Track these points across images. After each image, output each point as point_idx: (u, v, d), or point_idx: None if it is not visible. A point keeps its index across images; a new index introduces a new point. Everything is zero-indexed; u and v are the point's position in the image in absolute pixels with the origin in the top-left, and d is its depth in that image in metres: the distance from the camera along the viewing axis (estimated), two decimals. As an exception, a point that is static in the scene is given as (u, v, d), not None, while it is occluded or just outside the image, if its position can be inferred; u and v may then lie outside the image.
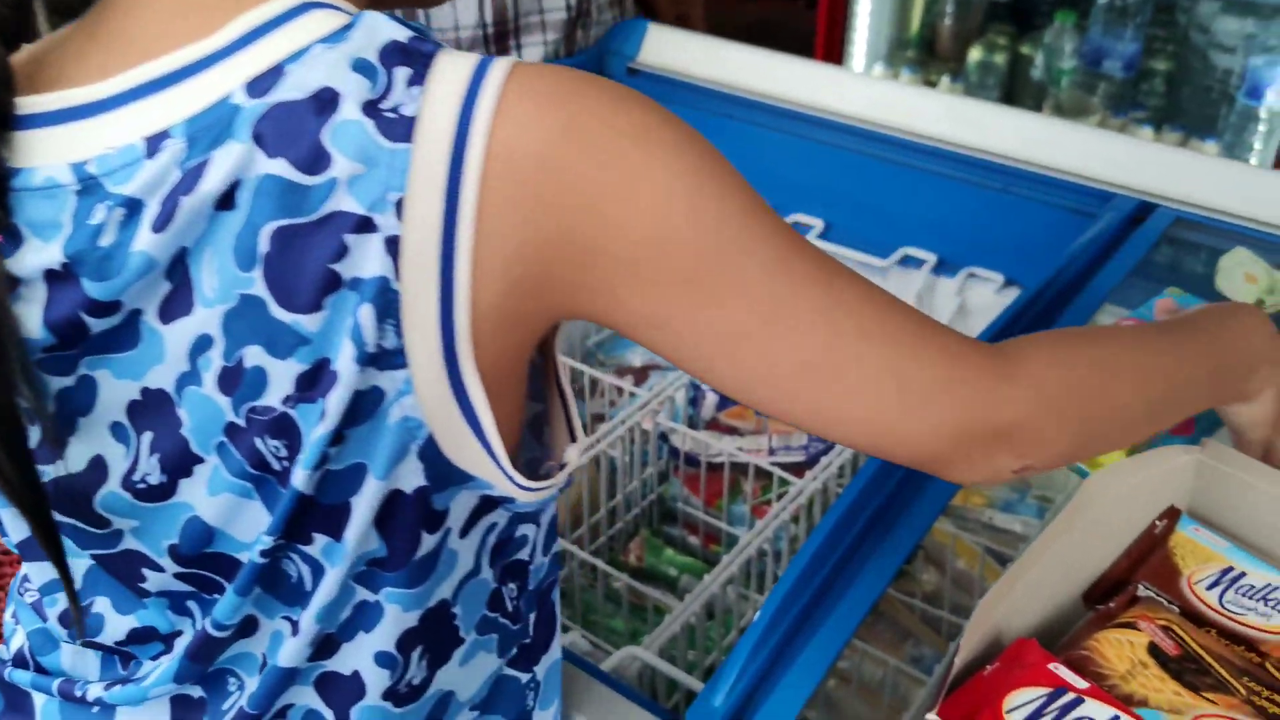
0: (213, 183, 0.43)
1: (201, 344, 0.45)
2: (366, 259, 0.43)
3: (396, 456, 0.47)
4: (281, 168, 0.43)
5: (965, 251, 1.07)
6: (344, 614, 0.51)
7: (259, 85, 0.44)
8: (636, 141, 0.44)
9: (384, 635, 0.52)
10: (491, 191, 0.44)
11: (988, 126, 1.07)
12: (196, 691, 0.55)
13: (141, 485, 0.49)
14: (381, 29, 0.45)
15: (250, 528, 0.49)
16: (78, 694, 0.57)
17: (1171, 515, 0.59)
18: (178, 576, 0.52)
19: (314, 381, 0.45)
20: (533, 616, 0.59)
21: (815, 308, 0.46)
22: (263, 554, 0.49)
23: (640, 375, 1.21)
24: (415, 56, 0.45)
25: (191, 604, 0.53)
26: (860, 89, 1.14)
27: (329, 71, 0.44)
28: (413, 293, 0.44)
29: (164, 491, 0.49)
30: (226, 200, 0.44)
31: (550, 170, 0.44)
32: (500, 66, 0.45)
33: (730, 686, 0.58)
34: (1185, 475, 0.61)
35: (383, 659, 0.52)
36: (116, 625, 0.55)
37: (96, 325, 0.45)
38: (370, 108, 0.43)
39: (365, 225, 0.43)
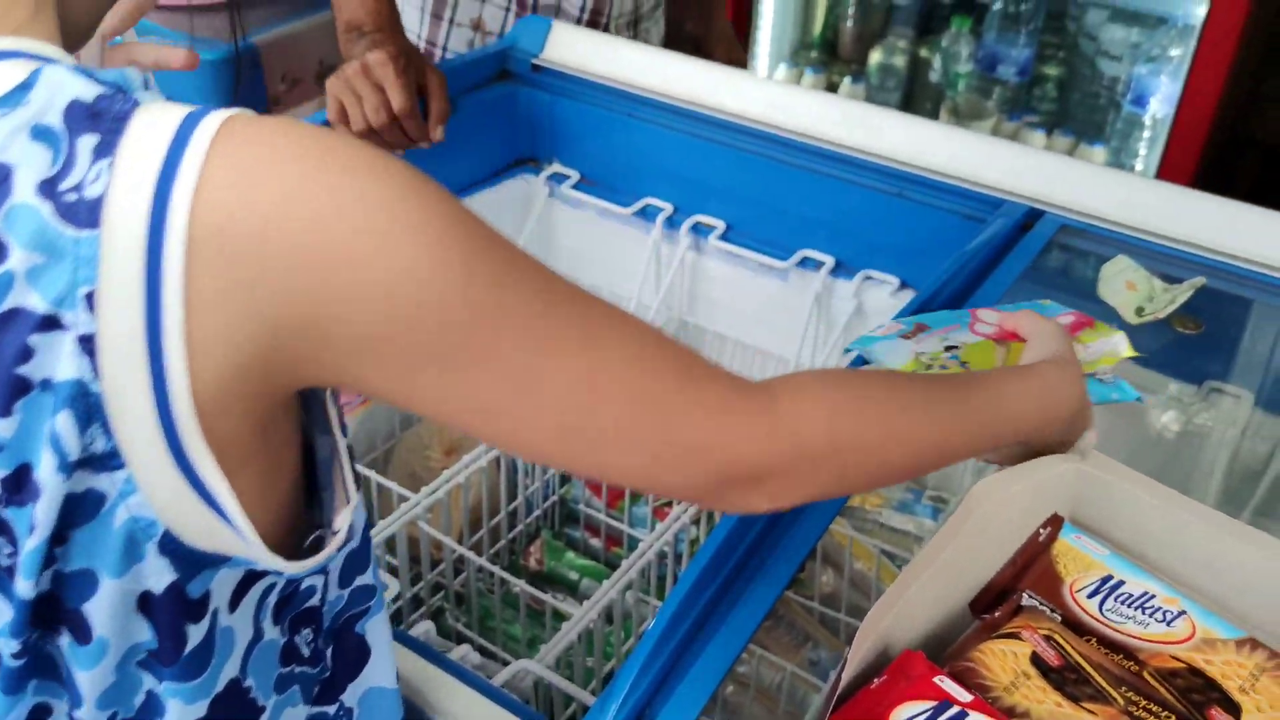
0: None
1: None
2: (57, 361, 0.39)
3: (131, 557, 0.43)
4: None
5: (862, 254, 1.08)
6: (138, 699, 0.48)
7: None
8: (369, 210, 0.40)
9: None
10: (200, 276, 0.39)
11: (883, 131, 1.08)
12: None
13: None
14: (66, 86, 0.40)
15: None
16: None
17: (1054, 523, 0.61)
18: None
19: (19, 486, 0.41)
20: (330, 651, 0.55)
21: (575, 376, 0.44)
22: (14, 655, 0.45)
23: (541, 375, 1.19)
24: (104, 119, 0.39)
25: None
26: (760, 92, 1.14)
27: (2, 142, 0.39)
28: (119, 392, 0.40)
29: None
30: None
31: (270, 247, 0.39)
32: (207, 126, 0.39)
33: (624, 697, 0.58)
34: (1068, 483, 0.62)
35: None
36: None
37: None
38: (48, 188, 0.38)
39: (51, 324, 0.39)
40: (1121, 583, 0.57)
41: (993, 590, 0.60)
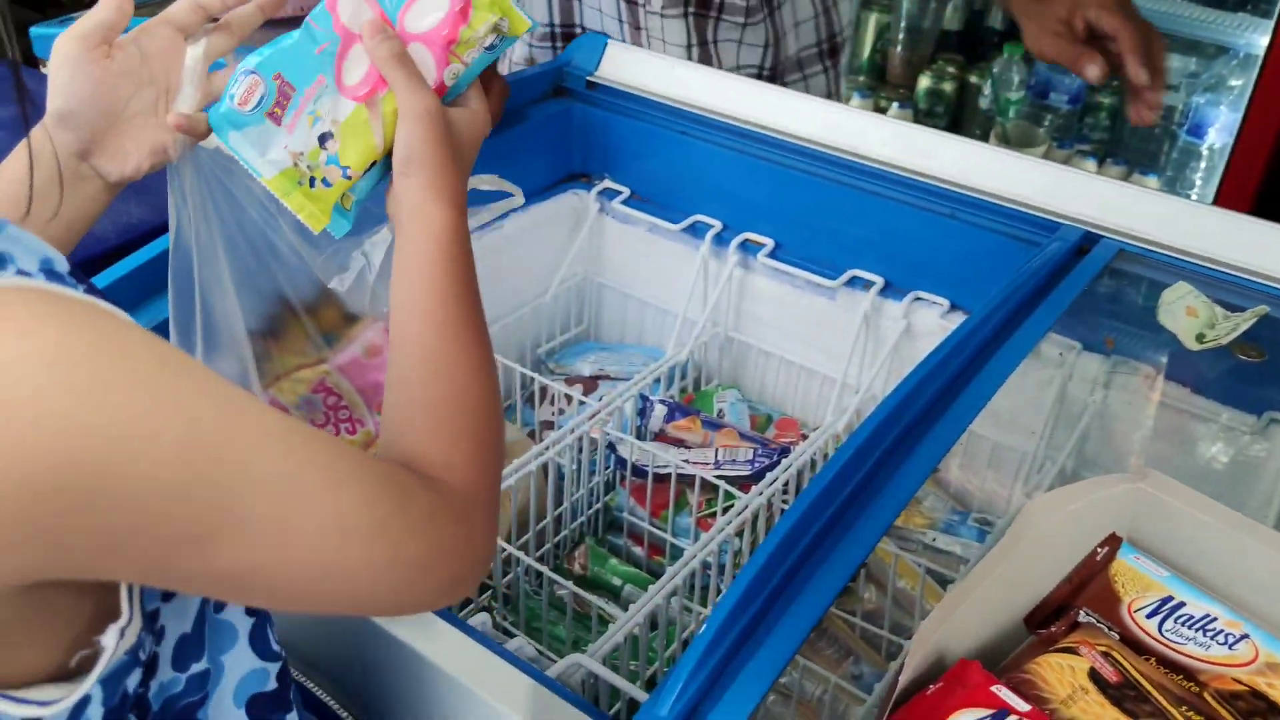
0: None
1: None
2: None
3: None
4: None
5: (912, 275, 1.09)
6: None
7: None
8: (105, 417, 0.39)
9: None
10: None
11: (936, 152, 1.09)
12: None
13: None
14: None
15: None
16: None
17: (1112, 543, 0.61)
18: None
19: None
20: None
21: (320, 530, 0.45)
22: None
23: (589, 385, 1.20)
24: None
25: None
26: (813, 111, 1.15)
27: None
28: None
29: None
30: None
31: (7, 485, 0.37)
32: None
33: (676, 696, 0.58)
34: (1126, 503, 0.62)
35: None
36: None
37: None
38: None
39: None
40: (1182, 604, 0.57)
41: (1049, 606, 0.60)
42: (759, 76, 1.31)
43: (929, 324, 1.07)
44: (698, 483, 1.01)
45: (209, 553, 0.42)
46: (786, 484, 1.00)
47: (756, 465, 1.03)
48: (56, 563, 0.41)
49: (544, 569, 0.91)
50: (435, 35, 0.64)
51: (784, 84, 1.34)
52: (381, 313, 0.86)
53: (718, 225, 1.18)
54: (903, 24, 1.98)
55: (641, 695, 0.66)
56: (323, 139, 0.65)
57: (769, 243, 1.15)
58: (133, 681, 0.49)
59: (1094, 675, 0.53)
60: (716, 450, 1.05)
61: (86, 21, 0.65)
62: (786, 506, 1.01)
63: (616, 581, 1.03)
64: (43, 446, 0.37)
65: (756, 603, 0.66)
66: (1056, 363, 1.00)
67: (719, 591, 0.96)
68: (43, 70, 1.61)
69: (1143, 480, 0.62)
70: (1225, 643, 0.55)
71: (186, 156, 0.68)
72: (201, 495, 0.41)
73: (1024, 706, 0.50)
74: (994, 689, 0.51)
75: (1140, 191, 1.02)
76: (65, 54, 0.65)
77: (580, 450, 1.05)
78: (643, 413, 1.10)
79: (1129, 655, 0.54)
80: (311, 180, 0.66)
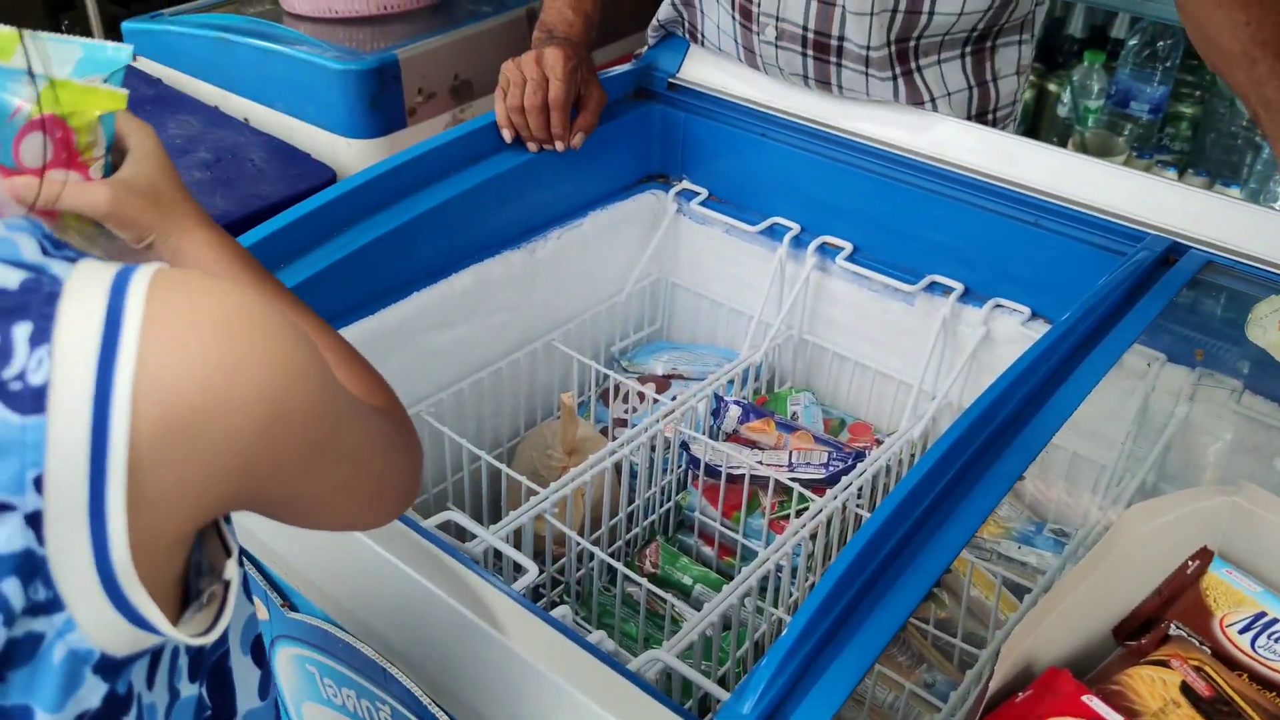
0: None
1: None
2: (3, 538, 0.41)
3: (69, 687, 0.45)
4: None
5: (993, 282, 1.08)
6: None
7: None
8: (301, 377, 0.46)
9: None
10: (142, 449, 0.41)
11: (1020, 159, 1.08)
12: None
13: None
14: None
15: None
16: None
17: (1204, 556, 0.60)
18: None
19: None
20: (207, 691, 0.57)
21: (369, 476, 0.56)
22: None
23: (662, 384, 1.21)
24: (32, 309, 0.41)
25: None
26: (895, 116, 1.14)
27: None
28: (61, 553, 0.42)
29: None
30: None
31: (205, 422, 0.42)
32: (134, 299, 0.42)
33: (759, 695, 0.59)
34: (1219, 517, 0.61)
35: None
36: None
37: None
38: None
39: (1, 509, 0.41)
40: (1276, 620, 0.56)
41: (1138, 618, 0.59)
42: None
43: (1009, 331, 1.06)
44: (771, 484, 1.02)
45: (312, 480, 0.51)
46: (861, 489, 1.00)
47: (831, 469, 1.03)
48: (246, 507, 0.49)
49: (619, 565, 0.92)
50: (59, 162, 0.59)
51: None
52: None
53: (796, 228, 1.18)
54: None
55: (720, 692, 0.67)
56: None
57: (847, 246, 1.15)
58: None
59: (1186, 689, 0.52)
60: (790, 453, 1.06)
61: None
62: (861, 511, 1.01)
63: (687, 580, 1.04)
64: (254, 394, 0.44)
65: (839, 607, 0.66)
66: (1140, 374, 0.99)
67: (790, 595, 0.96)
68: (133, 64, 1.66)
69: (1237, 494, 0.61)
70: (1321, 662, 0.54)
71: None
72: (329, 436, 0.50)
73: (1116, 718, 0.50)
74: (1085, 699, 0.51)
75: (1229, 202, 1.01)
76: None
77: (653, 449, 1.06)
78: (716, 413, 1.11)
79: (1221, 670, 0.54)
80: None
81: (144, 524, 0.43)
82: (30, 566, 0.42)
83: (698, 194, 1.24)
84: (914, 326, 1.12)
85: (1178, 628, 0.57)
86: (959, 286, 1.09)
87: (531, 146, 1.13)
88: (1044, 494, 1.10)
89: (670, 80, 1.24)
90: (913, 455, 1.08)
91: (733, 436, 1.10)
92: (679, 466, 1.10)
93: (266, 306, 0.46)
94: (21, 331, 0.41)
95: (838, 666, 0.63)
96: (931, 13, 1.08)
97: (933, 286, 1.10)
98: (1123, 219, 1.01)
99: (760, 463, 1.03)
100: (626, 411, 1.19)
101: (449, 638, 0.66)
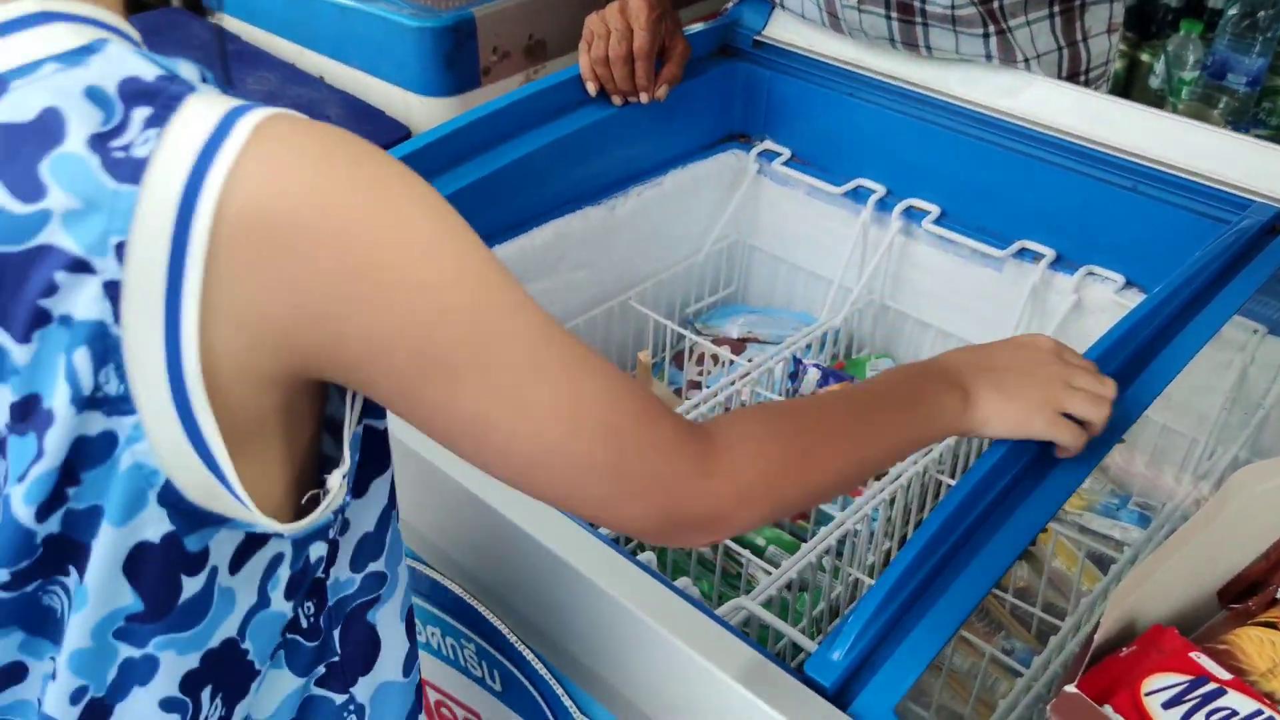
0: None
1: None
2: (80, 300, 0.41)
3: (133, 503, 0.45)
4: None
5: (1086, 249, 1.05)
6: (110, 674, 0.49)
7: None
8: (398, 222, 0.44)
9: (164, 683, 0.50)
10: (223, 249, 0.42)
11: (1119, 122, 1.04)
12: None
13: None
14: (126, 62, 0.43)
15: None
16: None
17: (1317, 520, 0.58)
18: None
19: (25, 414, 0.43)
20: (338, 633, 0.56)
21: (555, 403, 0.47)
22: (3, 586, 0.47)
23: (737, 346, 1.20)
24: (159, 98, 0.42)
25: None
26: (988, 76, 1.12)
27: (57, 95, 0.42)
28: (135, 339, 0.42)
29: None
30: None
31: (300, 239, 0.42)
32: (250, 120, 0.42)
33: (850, 646, 0.58)
34: (1334, 481, 0.59)
35: (169, 704, 0.50)
36: None
37: None
38: (98, 142, 0.41)
39: (81, 266, 0.41)
40: (1394, 585, 0.54)
41: (1244, 580, 0.57)
42: None
43: (1101, 300, 1.03)
44: (850, 447, 1.00)
45: (455, 389, 0.45)
46: (941, 455, 0.98)
47: (911, 433, 1.02)
48: (330, 356, 0.45)
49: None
50: None
51: None
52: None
53: (881, 190, 1.16)
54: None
55: (805, 641, 0.66)
56: None
57: (934, 209, 1.13)
58: (316, 553, 0.53)
59: (1299, 651, 0.51)
60: (870, 416, 1.04)
61: None
62: (942, 477, 1.00)
63: (760, 541, 1.03)
64: (341, 241, 0.43)
65: (928, 566, 0.65)
66: (1239, 346, 0.96)
67: (867, 557, 0.95)
68: (211, 20, 1.68)
69: (1354, 458, 0.59)
70: None
71: None
72: (461, 323, 0.45)
73: (1225, 675, 0.49)
74: (1193, 655, 0.50)
75: (1343, 169, 0.97)
76: None
77: (727, 410, 1.05)
78: (794, 376, 1.10)
79: (1336, 635, 0.52)
80: None
81: (216, 333, 0.42)
82: (104, 346, 0.42)
83: (780, 154, 1.22)
84: (1001, 293, 1.09)
85: (1288, 592, 0.55)
86: (1050, 253, 1.06)
87: (616, 99, 1.12)
88: (1129, 466, 1.07)
89: (756, 38, 1.23)
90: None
91: (810, 399, 1.09)
92: (754, 428, 1.09)
93: (406, 170, 0.45)
94: (140, 113, 0.42)
95: (924, 626, 0.62)
96: None
97: (1022, 252, 1.08)
98: (1226, 185, 0.97)
99: (839, 425, 1.02)
100: (700, 374, 1.19)
101: (537, 577, 0.66)
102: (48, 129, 0.41)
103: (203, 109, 0.42)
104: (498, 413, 0.46)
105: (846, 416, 0.59)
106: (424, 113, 1.52)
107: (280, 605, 0.52)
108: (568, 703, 0.68)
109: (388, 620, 0.59)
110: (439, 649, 0.76)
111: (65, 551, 0.46)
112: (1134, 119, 1.04)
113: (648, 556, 0.72)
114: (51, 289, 0.41)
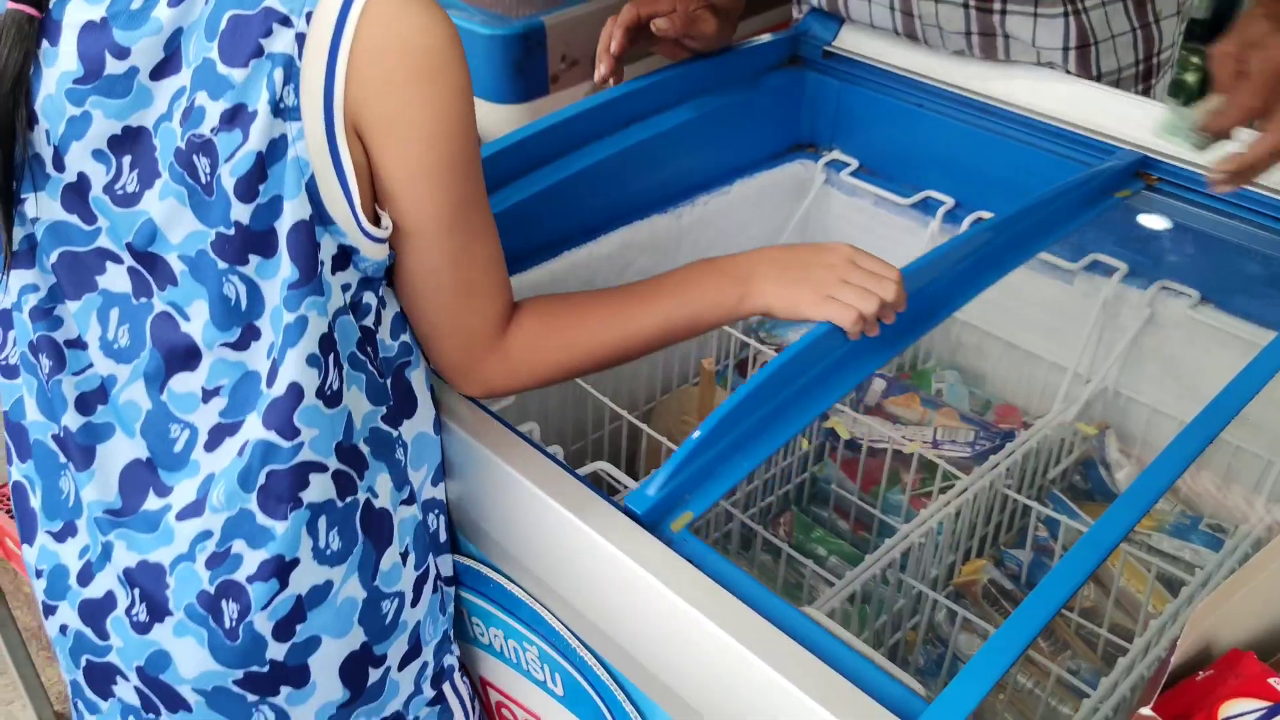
0: None
1: (179, 93, 0.64)
2: (282, 42, 0.62)
3: (295, 187, 0.64)
4: None
5: (1159, 264, 1.03)
6: (279, 336, 0.66)
7: None
8: (458, 68, 0.66)
9: (309, 342, 0.66)
10: (363, 27, 0.63)
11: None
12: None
13: (121, 192, 0.67)
14: None
15: (179, 233, 0.66)
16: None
17: (1405, 547, 0.56)
18: (129, 270, 0.68)
19: (234, 117, 0.63)
20: (389, 382, 0.73)
21: (488, 242, 0.73)
22: (213, 243, 0.65)
23: (801, 356, 1.20)
24: None
25: (115, 314, 0.69)
26: (1060, 88, 1.10)
27: None
28: (308, 71, 0.63)
29: (133, 199, 0.66)
30: None
31: (399, 58, 0.64)
32: None
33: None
34: None
35: (311, 360, 0.66)
36: (70, 324, 0.71)
37: (110, 68, 0.64)
38: None
39: (285, 21, 0.62)
40: None
41: (1327, 607, 0.56)
42: None
43: (1176, 315, 1.01)
44: (915, 460, 1.00)
45: (439, 196, 0.68)
46: (1009, 470, 0.97)
47: (977, 448, 1.01)
48: (378, 123, 0.65)
49: (760, 529, 0.92)
50: None
51: None
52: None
53: (950, 202, 1.15)
54: None
55: (870, 651, 0.65)
56: None
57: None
58: (367, 299, 0.70)
59: (1385, 681, 0.49)
60: (935, 429, 1.03)
61: None
62: (1009, 492, 0.98)
63: (821, 552, 1.03)
64: (434, 59, 0.65)
65: (744, 425, 0.67)
66: (1320, 365, 0.93)
67: (931, 571, 0.95)
68: None
69: None
70: None
71: None
72: (460, 157, 0.68)
73: (1306, 703, 0.48)
74: (1271, 681, 0.49)
75: None
76: None
77: (791, 419, 1.05)
78: (860, 385, 1.09)
79: None
80: None
81: (349, 77, 0.63)
82: (290, 71, 0.62)
83: (848, 165, 1.22)
84: (1071, 306, 1.08)
85: (1373, 619, 0.54)
86: (1122, 266, 1.05)
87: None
88: (1200, 488, 1.05)
89: (825, 48, 1.22)
90: (1063, 440, 1.05)
91: (874, 410, 1.08)
92: (817, 438, 1.09)
93: (464, 66, 0.66)
94: None
95: (990, 647, 0.61)
96: None
97: (1094, 265, 1.06)
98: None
99: (903, 438, 1.01)
100: (764, 381, 1.18)
101: (601, 580, 0.67)
102: None
103: None
104: (457, 227, 0.69)
105: (620, 298, 0.78)
106: (493, 119, 1.54)
107: (350, 318, 0.69)
108: (629, 709, 0.68)
109: (419, 382, 0.75)
110: (501, 651, 0.77)
111: (250, 240, 0.65)
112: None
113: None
114: (268, 33, 0.62)
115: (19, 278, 0.70)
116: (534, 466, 0.71)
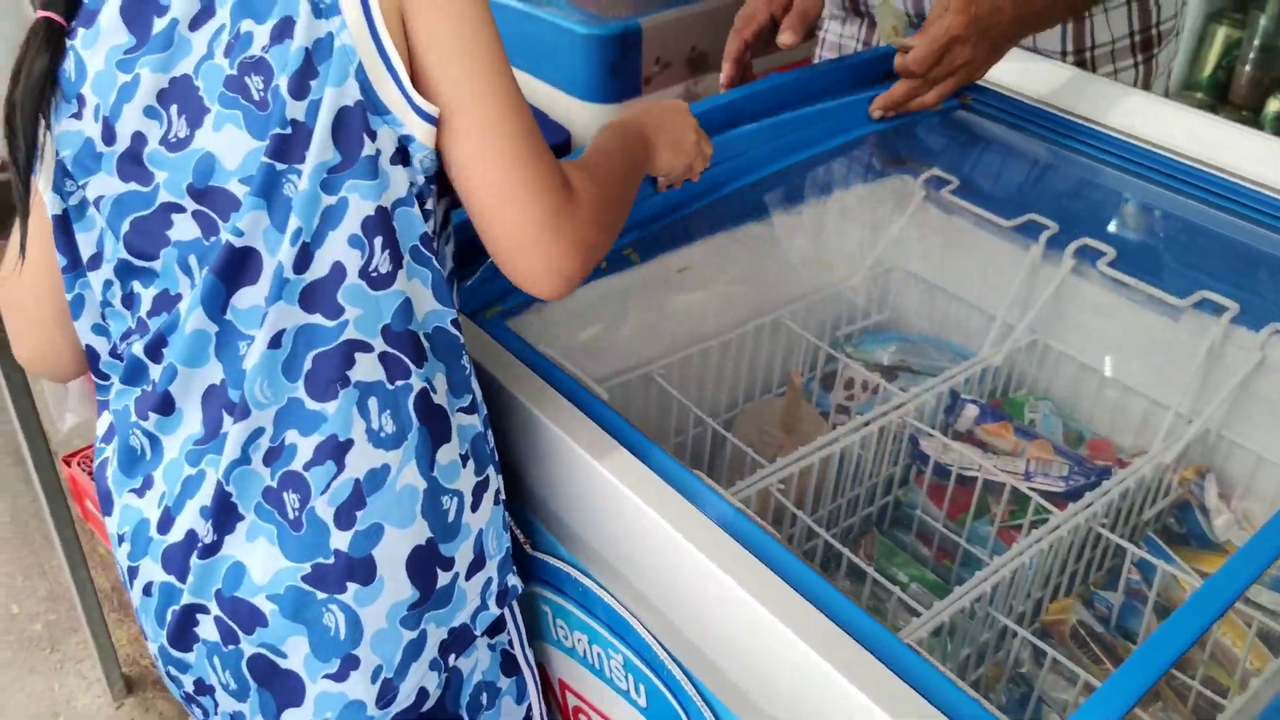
0: None
1: (217, 33, 0.67)
2: None
3: (341, 75, 0.66)
4: None
5: (1275, 306, 1.00)
6: (315, 221, 0.67)
7: None
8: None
9: (350, 223, 0.67)
10: None
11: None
12: (208, 357, 0.71)
13: (174, 139, 0.68)
14: None
15: (236, 156, 0.67)
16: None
17: None
18: (194, 215, 0.69)
19: (282, 31, 0.66)
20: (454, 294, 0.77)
21: (521, 116, 0.71)
22: (259, 165, 0.67)
23: (888, 374, 1.18)
24: None
25: (193, 260, 0.70)
26: (1178, 119, 1.07)
27: None
28: None
29: (185, 143, 0.68)
30: None
31: None
32: None
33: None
34: None
35: (353, 240, 0.68)
36: (145, 298, 0.73)
37: (156, 28, 0.68)
38: None
39: None
40: None
41: None
42: (1063, 60, 1.23)
43: (1291, 360, 0.98)
44: (1007, 491, 0.97)
45: (472, 77, 0.70)
46: (1107, 507, 0.94)
47: (1072, 483, 0.98)
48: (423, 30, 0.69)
49: (845, 550, 0.90)
50: None
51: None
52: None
53: (1053, 227, 1.12)
54: (1256, 41, 1.82)
55: (960, 683, 0.63)
56: None
57: (1110, 251, 1.08)
58: (429, 203, 0.72)
59: None
60: (1028, 461, 1.00)
61: None
62: (1104, 531, 0.95)
63: (903, 579, 1.00)
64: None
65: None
66: None
67: (1020, 606, 0.92)
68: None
69: None
70: None
71: None
72: (486, 44, 0.70)
73: None
74: None
75: None
76: None
77: (877, 439, 1.03)
78: (951, 410, 1.07)
79: None
80: None
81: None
82: None
83: (949, 183, 1.19)
84: (1176, 344, 1.04)
85: None
86: (1233, 306, 1.01)
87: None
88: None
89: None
90: (1162, 480, 1.01)
91: (965, 437, 1.06)
92: (902, 461, 1.07)
93: None
94: None
95: (1095, 704, 0.59)
96: None
97: (1202, 303, 1.03)
98: None
99: (995, 467, 0.99)
100: (848, 398, 1.16)
101: (694, 593, 0.65)
102: None
103: None
104: (487, 99, 0.70)
105: (626, 173, 0.85)
106: (585, 117, 1.53)
107: (413, 209, 0.70)
108: (713, 726, 0.67)
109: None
110: (584, 656, 0.76)
111: (306, 137, 0.66)
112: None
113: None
114: None
115: (96, 279, 0.74)
116: (629, 470, 0.70)
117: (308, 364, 0.68)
